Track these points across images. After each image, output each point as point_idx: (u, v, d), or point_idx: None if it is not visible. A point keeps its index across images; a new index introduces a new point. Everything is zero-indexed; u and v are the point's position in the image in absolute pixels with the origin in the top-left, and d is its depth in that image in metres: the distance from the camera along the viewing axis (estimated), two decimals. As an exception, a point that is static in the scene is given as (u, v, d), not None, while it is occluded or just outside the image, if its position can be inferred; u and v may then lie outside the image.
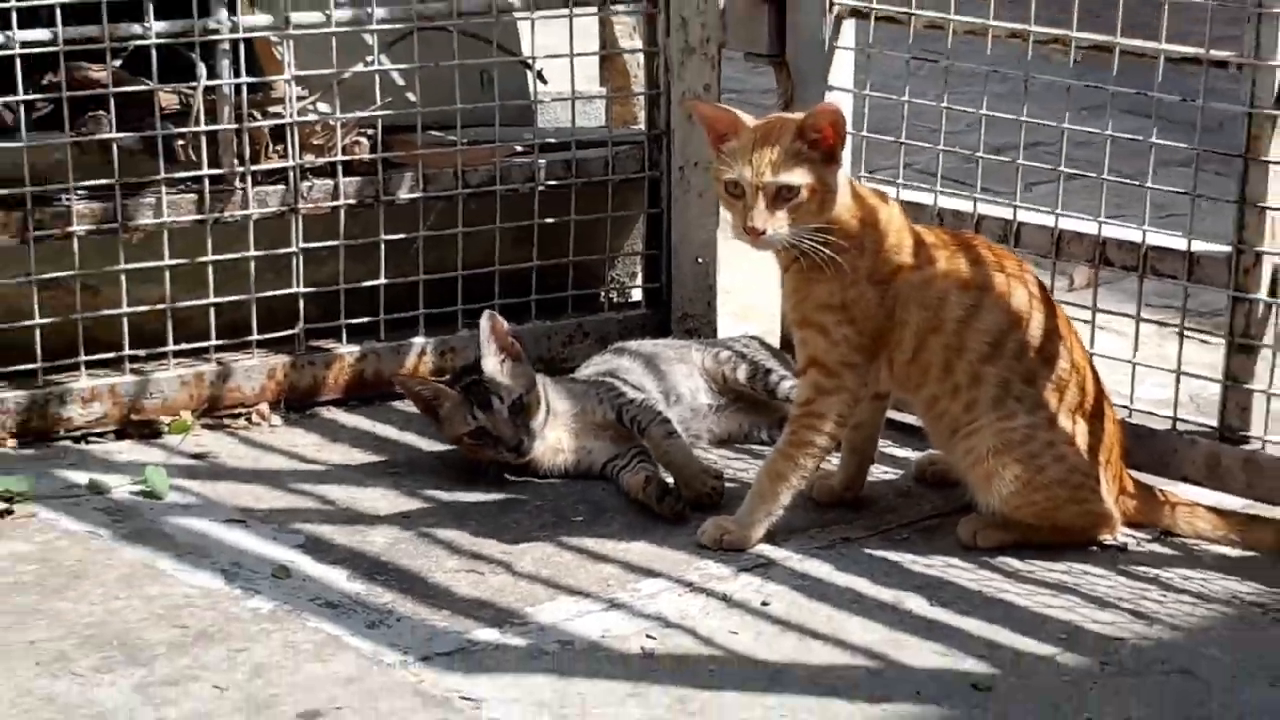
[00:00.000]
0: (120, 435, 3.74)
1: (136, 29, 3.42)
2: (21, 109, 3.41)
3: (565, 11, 4.07)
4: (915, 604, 3.19)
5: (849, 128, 3.45)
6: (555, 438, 3.55)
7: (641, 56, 4.05)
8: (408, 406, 3.90)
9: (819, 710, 2.84)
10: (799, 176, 3.00)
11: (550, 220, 3.90)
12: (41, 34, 3.36)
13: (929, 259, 3.24)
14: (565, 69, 4.02)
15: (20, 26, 3.37)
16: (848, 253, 3.15)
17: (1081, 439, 3.26)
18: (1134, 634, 3.11)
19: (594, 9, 4.26)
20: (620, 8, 4.13)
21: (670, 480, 3.41)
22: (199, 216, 3.44)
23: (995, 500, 3.21)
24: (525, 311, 3.96)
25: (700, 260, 3.95)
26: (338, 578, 3.24)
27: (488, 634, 3.05)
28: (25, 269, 3.52)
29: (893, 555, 3.37)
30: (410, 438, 3.92)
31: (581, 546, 3.41)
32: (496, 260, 3.85)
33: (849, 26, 3.90)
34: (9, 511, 3.32)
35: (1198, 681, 2.96)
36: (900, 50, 3.89)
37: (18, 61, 3.37)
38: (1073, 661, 3.01)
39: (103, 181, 3.52)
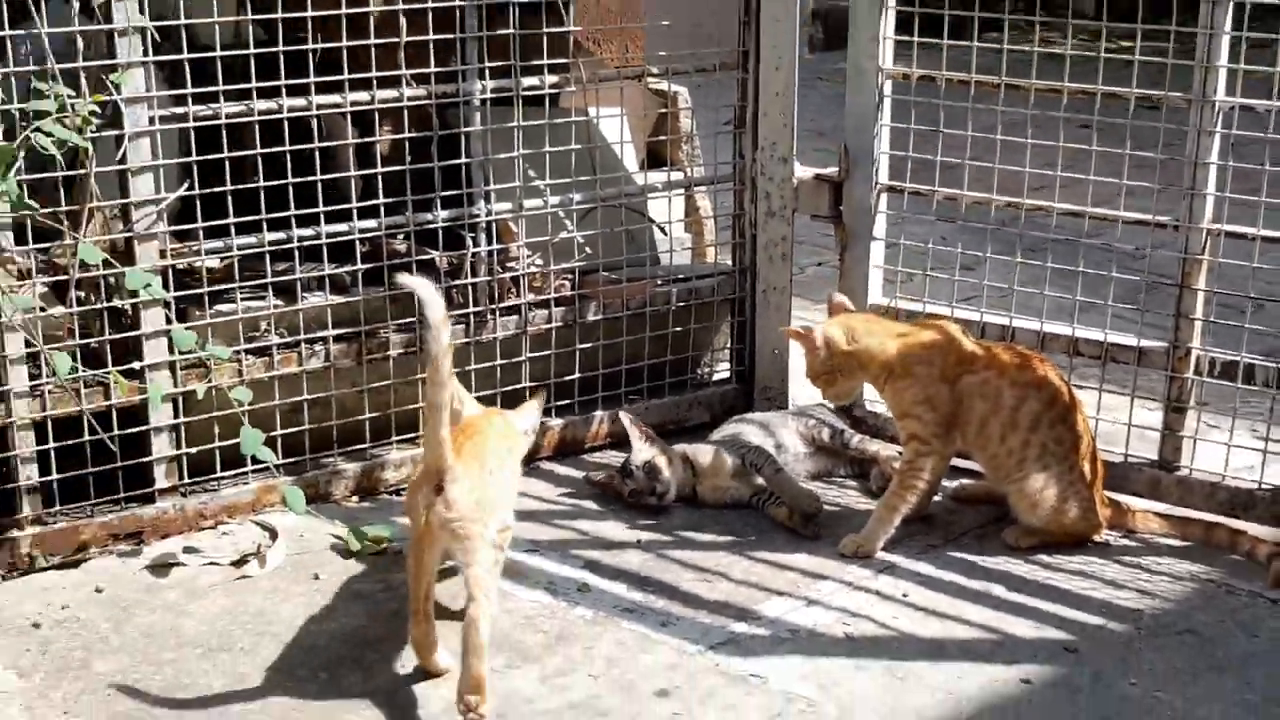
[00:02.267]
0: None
1: (428, 216, 3.91)
2: (360, 275, 3.88)
3: (682, 191, 4.70)
4: (998, 590, 3.51)
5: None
6: (710, 484, 3.97)
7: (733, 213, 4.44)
8: (599, 458, 4.26)
9: (976, 671, 3.17)
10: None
11: (678, 329, 4.37)
12: (370, 223, 3.86)
13: (984, 365, 3.69)
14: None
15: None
16: (921, 365, 3.68)
17: (1085, 474, 3.67)
18: (1146, 606, 3.44)
19: (704, 188, 4.74)
20: (720, 186, 4.55)
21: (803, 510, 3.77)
22: (465, 339, 3.91)
23: (1035, 519, 3.67)
24: (660, 390, 4.39)
25: (776, 351, 4.36)
26: (621, 590, 3.51)
27: (740, 627, 3.33)
28: (359, 381, 3.94)
29: (966, 556, 3.69)
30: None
31: (765, 559, 3.68)
32: (645, 356, 4.31)
33: (885, 197, 4.24)
34: (384, 551, 3.67)
35: (1202, 638, 3.30)
36: (925, 212, 4.29)
37: (356, 243, 3.85)
38: (1118, 628, 3.33)
39: (406, 320, 3.94)
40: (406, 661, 3.18)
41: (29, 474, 3.52)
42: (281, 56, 3.69)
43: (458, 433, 3.16)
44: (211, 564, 3.57)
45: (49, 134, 3.24)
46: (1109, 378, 4.03)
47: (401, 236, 4.09)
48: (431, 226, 3.99)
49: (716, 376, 4.62)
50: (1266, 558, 3.58)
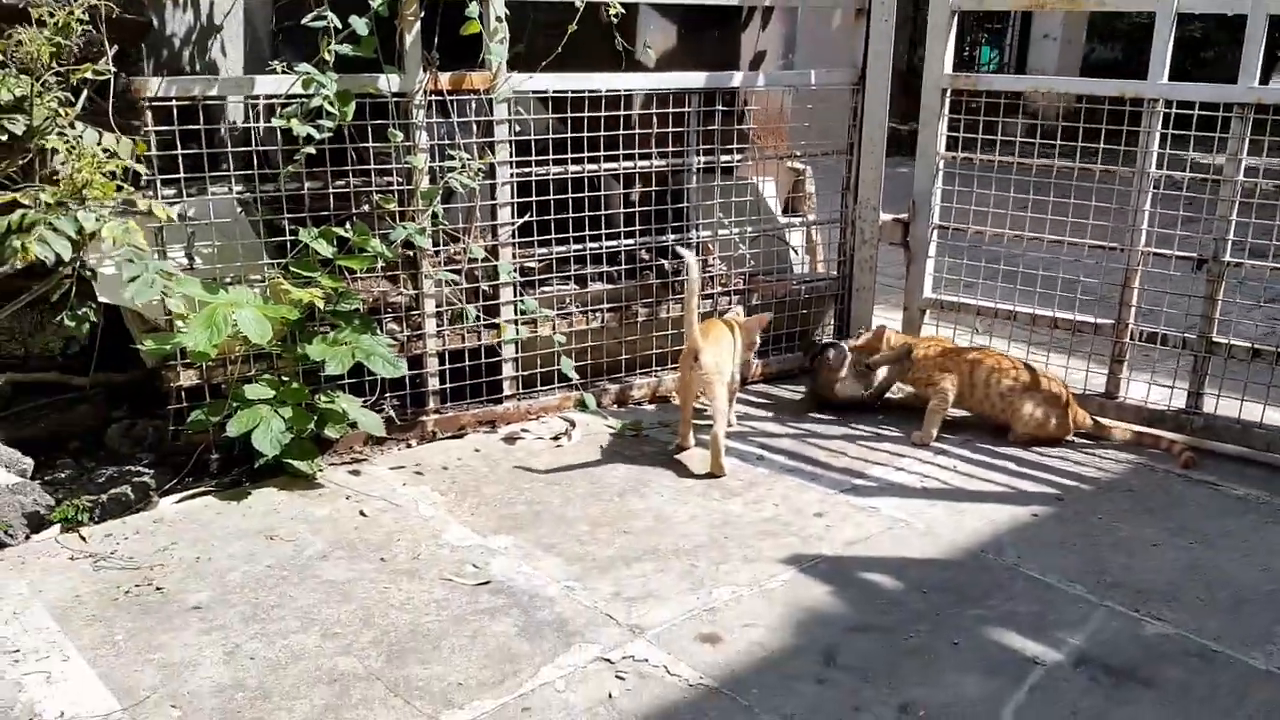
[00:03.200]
0: (650, 403, 4.12)
1: (661, 238, 4.13)
2: (622, 273, 4.01)
3: (806, 229, 4.69)
4: (1011, 465, 3.59)
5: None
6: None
7: (835, 242, 4.50)
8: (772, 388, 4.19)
9: (1003, 508, 3.23)
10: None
11: (804, 311, 4.47)
12: (629, 242, 4.01)
13: (969, 359, 3.81)
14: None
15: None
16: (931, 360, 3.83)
17: (1058, 397, 3.74)
18: (1101, 476, 3.50)
19: (819, 227, 4.68)
20: (830, 224, 4.53)
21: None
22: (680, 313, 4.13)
23: (1023, 428, 3.75)
24: (792, 348, 4.44)
25: (861, 329, 4.38)
26: (783, 460, 3.59)
27: (857, 481, 3.42)
28: (619, 336, 4.05)
29: (991, 446, 3.74)
30: (783, 392, 4.21)
31: (867, 444, 3.76)
32: (784, 327, 4.40)
33: (936, 233, 4.24)
34: (639, 434, 3.78)
35: (1137, 494, 3.38)
36: (961, 242, 4.29)
37: (621, 253, 4.01)
38: (1085, 487, 3.41)
39: (647, 300, 4.11)
40: (663, 490, 3.38)
41: (434, 383, 3.84)
42: (576, 141, 3.88)
43: (706, 328, 3.62)
44: (538, 439, 3.82)
45: (460, 181, 3.54)
46: (1076, 345, 4.11)
47: (644, 250, 4.21)
48: (663, 243, 4.19)
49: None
50: (1177, 451, 3.69)
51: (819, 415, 4.03)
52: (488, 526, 3.13)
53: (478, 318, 3.67)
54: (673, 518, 3.19)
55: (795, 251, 4.62)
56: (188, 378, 3.39)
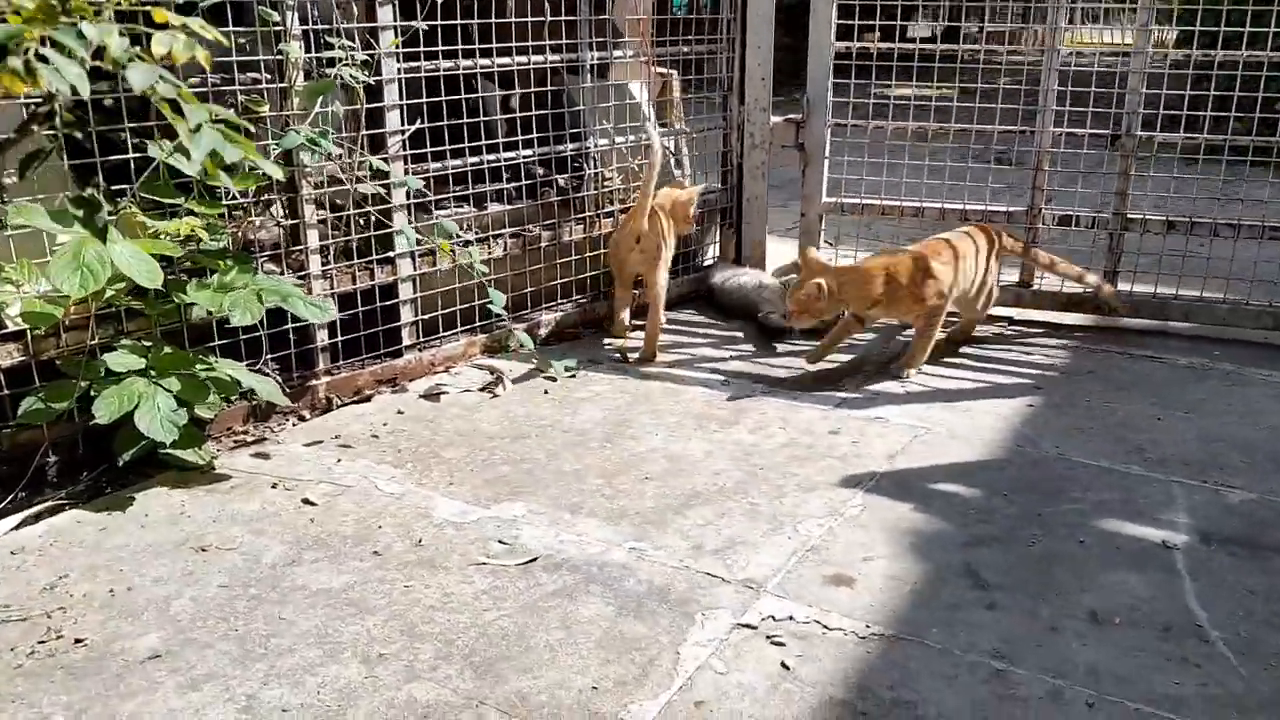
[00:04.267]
0: (559, 340, 3.63)
1: (560, 147, 3.57)
2: (523, 190, 3.50)
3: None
4: (967, 361, 3.48)
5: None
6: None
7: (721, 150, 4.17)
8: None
9: (1002, 403, 3.12)
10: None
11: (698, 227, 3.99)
12: (527, 153, 3.52)
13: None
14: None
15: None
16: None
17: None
18: (1060, 360, 3.46)
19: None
20: (714, 129, 4.20)
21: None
22: (584, 235, 3.69)
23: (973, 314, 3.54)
24: (679, 271, 4.05)
25: (756, 242, 4.21)
26: (748, 383, 3.28)
27: (841, 395, 3.18)
28: (521, 266, 3.54)
29: (965, 360, 3.53)
30: (687, 316, 3.80)
31: (842, 369, 3.45)
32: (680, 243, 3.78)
33: (830, 131, 4.01)
34: (575, 375, 3.31)
35: (1100, 375, 3.34)
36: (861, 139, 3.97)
37: (519, 167, 3.49)
38: (1056, 374, 3.35)
39: (549, 221, 3.59)
40: (653, 428, 2.96)
41: (323, 337, 3.14)
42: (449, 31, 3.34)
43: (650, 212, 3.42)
44: (465, 392, 3.22)
45: (352, 75, 2.83)
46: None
47: (538, 164, 3.68)
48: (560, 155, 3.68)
49: (706, 261, 4.39)
50: (1096, 287, 3.72)
51: (740, 334, 3.80)
52: (482, 495, 2.53)
53: (419, 242, 2.93)
54: (687, 456, 2.76)
55: (680, 163, 4.22)
56: (6, 354, 2.44)
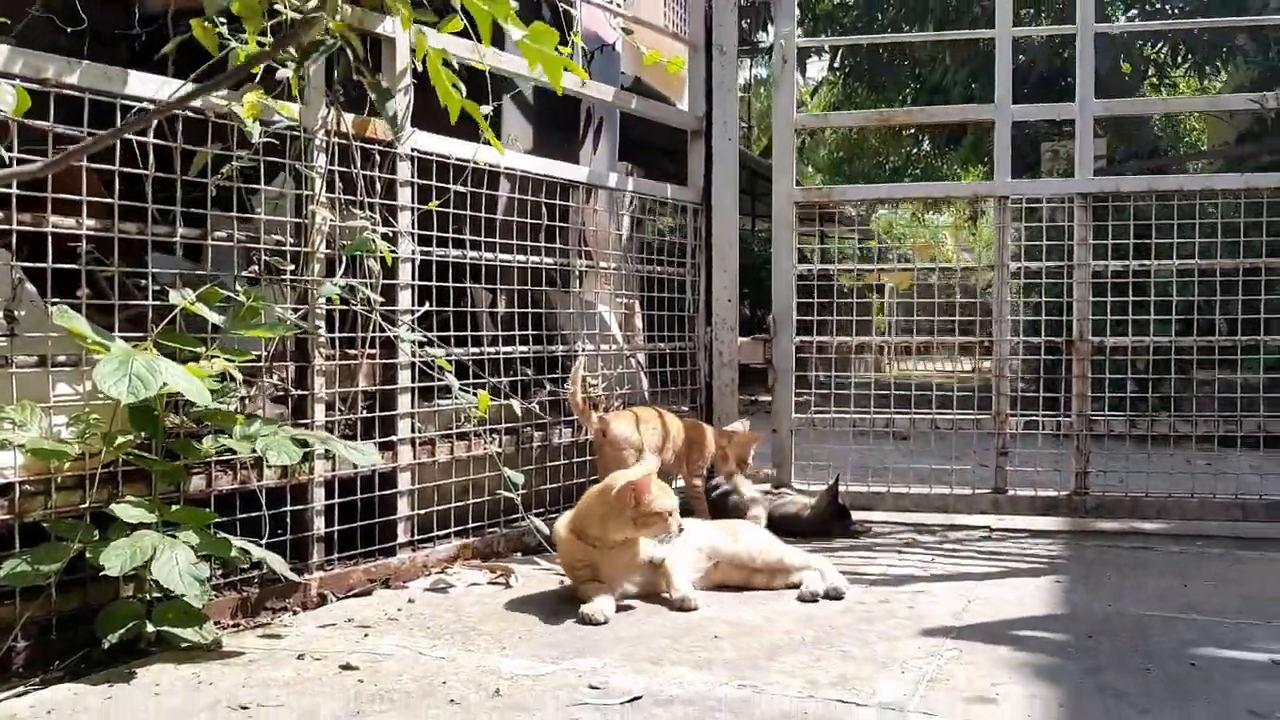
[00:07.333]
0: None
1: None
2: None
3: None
4: (984, 555, 3.39)
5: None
6: None
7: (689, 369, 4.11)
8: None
9: (1021, 584, 3.05)
10: None
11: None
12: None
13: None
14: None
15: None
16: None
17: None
18: (1060, 552, 3.43)
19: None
20: (682, 349, 4.12)
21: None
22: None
23: None
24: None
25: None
26: None
27: (868, 575, 3.00)
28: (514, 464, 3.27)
29: (956, 549, 3.47)
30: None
31: (817, 545, 3.02)
32: None
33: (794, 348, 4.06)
34: None
35: (1117, 562, 3.36)
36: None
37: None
38: (1066, 560, 3.33)
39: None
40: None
41: (319, 525, 2.85)
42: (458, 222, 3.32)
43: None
44: (473, 585, 2.98)
45: (376, 246, 2.80)
46: (959, 449, 4.15)
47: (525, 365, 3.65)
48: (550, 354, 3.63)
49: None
50: None
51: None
52: (546, 655, 2.27)
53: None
54: (747, 622, 2.58)
55: (644, 378, 4.18)
56: (-17, 509, 2.13)
